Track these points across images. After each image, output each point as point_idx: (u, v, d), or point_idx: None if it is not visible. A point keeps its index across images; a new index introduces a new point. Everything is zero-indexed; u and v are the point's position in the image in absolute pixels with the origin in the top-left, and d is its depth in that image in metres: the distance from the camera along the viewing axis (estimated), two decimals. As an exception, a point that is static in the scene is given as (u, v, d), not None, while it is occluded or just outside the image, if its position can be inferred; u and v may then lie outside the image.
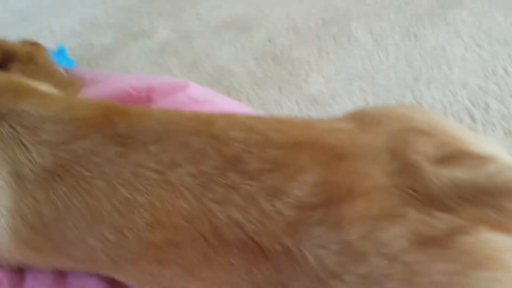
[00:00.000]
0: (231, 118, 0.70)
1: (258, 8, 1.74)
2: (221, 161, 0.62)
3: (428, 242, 0.52)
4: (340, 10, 1.58)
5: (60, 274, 0.86)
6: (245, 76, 1.37)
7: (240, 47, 1.52)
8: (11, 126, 0.74)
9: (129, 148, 0.67)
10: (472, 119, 1.11)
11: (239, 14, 1.73)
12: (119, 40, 1.69)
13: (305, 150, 0.63)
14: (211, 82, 1.37)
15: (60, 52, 1.40)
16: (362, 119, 0.70)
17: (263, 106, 1.24)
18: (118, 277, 0.74)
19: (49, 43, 1.67)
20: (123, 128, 0.70)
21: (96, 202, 0.66)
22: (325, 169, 0.60)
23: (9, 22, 1.98)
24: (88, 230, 0.68)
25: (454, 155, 0.60)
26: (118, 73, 1.50)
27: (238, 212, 0.59)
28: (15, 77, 0.91)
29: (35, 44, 1.13)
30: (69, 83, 1.09)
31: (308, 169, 0.60)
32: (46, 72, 1.05)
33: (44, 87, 0.91)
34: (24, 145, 0.72)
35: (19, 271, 0.86)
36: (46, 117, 0.75)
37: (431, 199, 0.55)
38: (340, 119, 0.74)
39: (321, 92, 1.25)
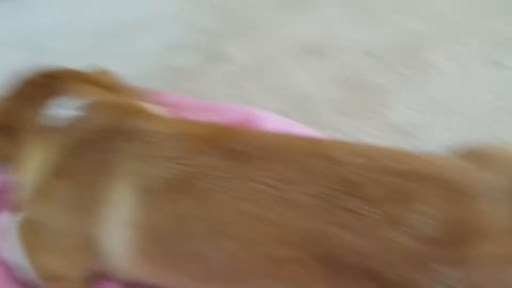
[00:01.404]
0: (345, 143, 0.75)
1: (335, 33, 1.77)
2: (340, 184, 0.64)
3: None
4: (420, 35, 1.57)
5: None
6: (326, 102, 1.39)
7: (319, 73, 1.54)
8: (130, 142, 0.80)
9: (247, 164, 0.71)
10: None
11: (317, 38, 1.76)
12: (201, 63, 1.75)
13: (428, 183, 0.64)
14: (291, 107, 1.40)
15: None
16: (479, 158, 0.70)
17: (346, 133, 1.26)
18: None
19: (135, 63, 1.76)
20: (238, 145, 0.74)
21: (219, 216, 0.70)
22: (450, 205, 0.62)
23: (93, 42, 2.09)
24: (209, 242, 0.72)
25: None
26: (198, 98, 1.55)
27: (357, 237, 0.60)
28: (127, 99, 0.98)
29: (106, 71, 1.18)
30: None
31: (433, 202, 0.61)
32: (130, 95, 1.10)
33: (151, 108, 0.97)
34: (144, 159, 0.78)
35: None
36: (163, 134, 0.80)
37: None
38: (455, 156, 0.75)
39: (405, 122, 1.26)
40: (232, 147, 0.74)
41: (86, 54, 2.01)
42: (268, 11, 2.03)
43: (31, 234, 0.88)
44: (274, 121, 1.22)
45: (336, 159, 0.67)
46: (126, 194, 0.77)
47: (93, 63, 1.88)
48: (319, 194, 0.64)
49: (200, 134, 0.79)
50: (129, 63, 1.84)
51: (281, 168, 0.68)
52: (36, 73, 1.06)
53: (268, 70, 1.62)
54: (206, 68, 1.71)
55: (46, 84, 1.00)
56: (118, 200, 0.78)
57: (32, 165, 0.87)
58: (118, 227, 0.78)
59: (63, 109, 0.92)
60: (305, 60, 1.63)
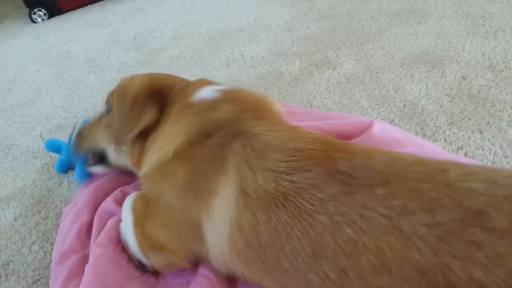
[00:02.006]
0: (463, 167, 0.65)
1: (448, 43, 1.69)
2: (461, 214, 0.57)
3: None
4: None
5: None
6: (439, 114, 1.32)
7: (432, 84, 1.47)
8: (244, 145, 0.81)
9: (353, 188, 0.66)
10: None
11: (427, 48, 1.70)
12: (306, 69, 1.76)
13: None
14: (401, 117, 1.35)
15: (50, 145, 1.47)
16: None
17: (462, 148, 1.18)
18: None
19: (243, 68, 1.81)
20: (344, 166, 0.70)
21: (319, 238, 0.67)
22: None
23: (203, 46, 2.19)
24: (307, 264, 0.69)
25: None
26: (304, 107, 1.56)
27: (481, 271, 0.54)
28: (260, 95, 1.00)
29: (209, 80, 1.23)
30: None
31: None
32: None
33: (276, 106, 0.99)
34: (251, 166, 0.78)
35: (232, 280, 0.94)
36: (272, 144, 0.80)
37: None
38: None
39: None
40: (339, 169, 0.70)
41: (194, 56, 2.10)
42: (382, 23, 1.99)
43: (144, 207, 0.94)
44: (384, 129, 1.20)
45: (451, 184, 0.61)
46: (230, 193, 0.78)
47: (200, 64, 1.98)
48: (436, 224, 0.57)
49: (306, 148, 0.77)
50: (237, 67, 1.90)
51: (392, 194, 0.63)
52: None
53: (377, 79, 1.58)
54: (312, 75, 1.70)
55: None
56: (223, 195, 0.80)
57: (160, 144, 0.94)
58: (218, 220, 0.80)
59: (208, 91, 0.99)
60: (418, 71, 1.57)
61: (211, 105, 0.95)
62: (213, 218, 0.81)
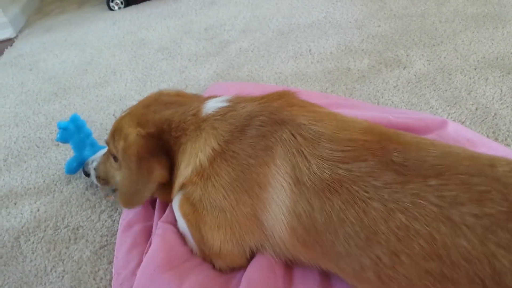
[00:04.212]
0: (511, 163, 0.67)
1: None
2: (508, 206, 0.60)
3: None
4: None
5: (326, 277, 0.93)
6: (509, 117, 1.28)
7: (507, 88, 1.43)
8: (292, 134, 0.83)
9: (407, 177, 0.69)
10: None
11: (503, 53, 1.64)
12: (374, 67, 1.75)
13: None
14: (473, 120, 1.32)
15: (73, 120, 1.40)
16: None
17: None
18: None
19: (310, 62, 1.82)
20: (398, 157, 0.72)
21: (372, 223, 0.69)
22: None
23: (271, 40, 2.22)
24: (360, 248, 0.71)
25: None
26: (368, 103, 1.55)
27: None
28: (288, 91, 0.99)
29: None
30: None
31: None
32: None
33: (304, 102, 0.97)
34: (304, 155, 0.80)
35: (290, 267, 0.95)
36: (323, 133, 0.81)
37: None
38: None
39: None
40: (391, 158, 0.72)
41: (262, 49, 2.14)
42: (457, 25, 1.94)
43: (192, 209, 0.95)
44: (458, 130, 1.18)
45: (500, 179, 0.63)
46: (285, 183, 0.80)
47: (268, 57, 2.01)
48: (484, 215, 0.60)
49: (360, 139, 0.78)
50: (304, 61, 1.92)
51: (444, 185, 0.65)
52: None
53: (449, 81, 1.55)
54: (380, 73, 1.69)
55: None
56: (276, 186, 0.82)
57: (195, 151, 0.93)
58: (275, 210, 0.82)
59: (214, 104, 0.98)
60: (492, 75, 1.52)
61: (229, 108, 0.95)
62: (270, 209, 0.84)
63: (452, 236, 0.62)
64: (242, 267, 0.95)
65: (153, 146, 0.96)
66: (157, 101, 1.06)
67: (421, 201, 0.66)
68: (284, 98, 0.93)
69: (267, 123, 0.86)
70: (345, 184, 0.73)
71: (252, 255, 0.95)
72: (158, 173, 0.97)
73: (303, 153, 0.80)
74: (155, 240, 1.02)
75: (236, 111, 0.93)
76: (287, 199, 0.80)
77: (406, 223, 0.66)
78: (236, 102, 0.97)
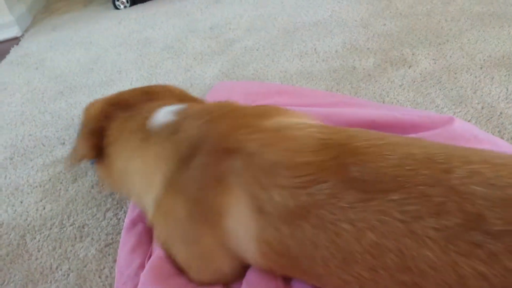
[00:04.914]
0: (468, 165, 0.67)
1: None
2: (463, 219, 0.62)
3: None
4: None
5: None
6: (516, 118, 1.28)
7: (513, 88, 1.43)
8: (244, 163, 0.80)
9: (369, 194, 0.68)
10: None
11: (509, 52, 1.63)
12: (380, 66, 1.74)
13: None
14: (478, 119, 1.32)
15: None
16: None
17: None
18: None
19: (315, 61, 1.82)
20: (356, 172, 0.71)
21: (346, 244, 0.69)
22: None
23: (276, 38, 2.22)
24: (340, 268, 0.72)
25: None
26: (373, 102, 1.55)
27: (483, 266, 0.59)
28: (231, 104, 0.98)
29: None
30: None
31: None
32: None
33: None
34: (261, 184, 0.77)
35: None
36: (278, 161, 0.78)
37: None
38: None
39: None
40: (351, 175, 0.71)
41: (267, 47, 2.14)
42: (463, 24, 1.94)
43: (169, 250, 0.95)
44: (464, 126, 1.18)
45: (456, 189, 0.64)
46: (248, 212, 0.79)
47: (273, 56, 2.02)
48: (443, 228, 0.62)
49: (317, 161, 0.76)
50: (309, 60, 1.92)
51: (405, 200, 0.66)
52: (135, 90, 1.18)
53: (455, 80, 1.54)
54: (386, 72, 1.69)
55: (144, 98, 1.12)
56: (237, 215, 0.80)
57: (147, 178, 0.95)
58: (242, 237, 0.81)
59: (163, 115, 0.98)
60: (498, 74, 1.52)
61: (173, 127, 0.95)
62: (236, 237, 0.82)
63: (417, 249, 0.64)
64: (238, 277, 0.95)
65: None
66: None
67: (387, 218, 0.66)
68: (229, 116, 0.92)
69: (214, 152, 0.85)
70: (311, 210, 0.72)
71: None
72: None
73: (262, 183, 0.78)
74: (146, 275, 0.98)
75: (180, 133, 0.92)
76: (252, 228, 0.79)
77: (377, 241, 0.67)
78: (184, 117, 0.96)
